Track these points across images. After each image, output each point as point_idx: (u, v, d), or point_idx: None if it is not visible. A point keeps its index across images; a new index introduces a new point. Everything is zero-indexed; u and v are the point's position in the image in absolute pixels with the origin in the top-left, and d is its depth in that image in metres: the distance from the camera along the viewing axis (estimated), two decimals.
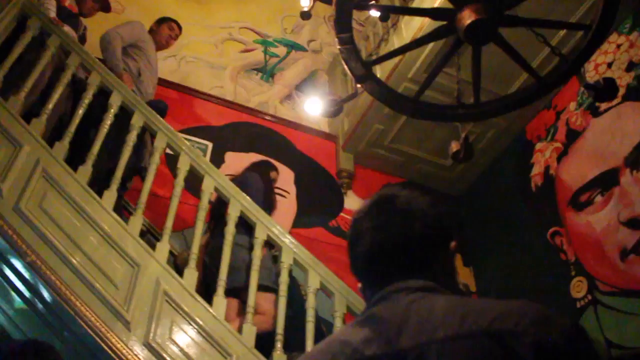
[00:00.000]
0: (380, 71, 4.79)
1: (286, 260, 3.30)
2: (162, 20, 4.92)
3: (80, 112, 3.49)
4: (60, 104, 3.66)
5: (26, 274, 2.87)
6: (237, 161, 5.27)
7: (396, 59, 4.57)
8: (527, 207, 5.02)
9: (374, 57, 2.86)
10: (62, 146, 3.28)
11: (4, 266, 3.00)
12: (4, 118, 3.21)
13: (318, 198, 5.45)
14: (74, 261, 2.83)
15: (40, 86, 3.67)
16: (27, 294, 3.03)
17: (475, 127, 5.09)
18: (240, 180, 3.86)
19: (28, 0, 3.97)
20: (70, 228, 2.95)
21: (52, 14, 3.94)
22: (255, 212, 3.44)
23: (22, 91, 3.42)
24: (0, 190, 2.93)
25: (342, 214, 5.41)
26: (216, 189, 3.47)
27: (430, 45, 4.30)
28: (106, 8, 4.72)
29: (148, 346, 2.72)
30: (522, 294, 4.60)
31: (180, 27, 5.00)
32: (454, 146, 3.01)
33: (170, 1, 6.65)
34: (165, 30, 4.84)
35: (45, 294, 2.81)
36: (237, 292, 3.31)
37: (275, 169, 4.50)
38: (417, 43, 3.10)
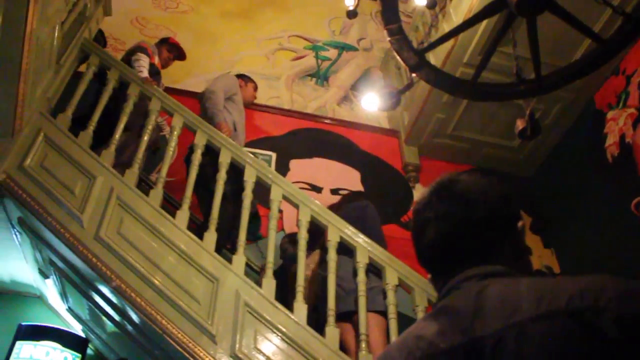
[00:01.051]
0: (434, 59, 4.71)
1: (362, 260, 3.27)
2: (247, 78, 4.99)
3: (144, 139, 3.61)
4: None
5: (114, 299, 2.99)
6: (302, 167, 5.31)
7: (449, 45, 4.48)
8: (605, 180, 4.78)
9: (425, 46, 2.80)
10: (132, 173, 3.40)
11: (93, 293, 3.14)
12: (76, 153, 3.37)
13: (387, 195, 5.40)
14: (156, 282, 2.92)
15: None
16: (117, 317, 3.16)
17: (539, 103, 4.91)
18: (357, 216, 3.65)
19: (86, 39, 4.19)
20: (148, 250, 3.05)
21: (145, 73, 4.08)
22: (325, 215, 3.45)
23: (90, 126, 3.58)
24: (81, 221, 3.07)
25: (412, 208, 5.34)
26: (284, 197, 3.49)
27: (483, 25, 4.20)
28: (182, 56, 4.86)
29: (235, 357, 2.76)
30: (609, 270, 4.38)
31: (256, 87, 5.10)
32: (520, 124, 2.91)
33: (218, 20, 6.80)
34: (251, 92, 4.94)
35: (133, 316, 2.91)
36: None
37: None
38: (468, 23, 3.02)
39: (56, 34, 3.57)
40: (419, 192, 5.46)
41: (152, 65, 4.31)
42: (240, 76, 4.90)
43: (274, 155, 5.37)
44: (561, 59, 4.23)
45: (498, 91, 2.97)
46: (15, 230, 3.44)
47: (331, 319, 3.01)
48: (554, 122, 5.30)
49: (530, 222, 5.26)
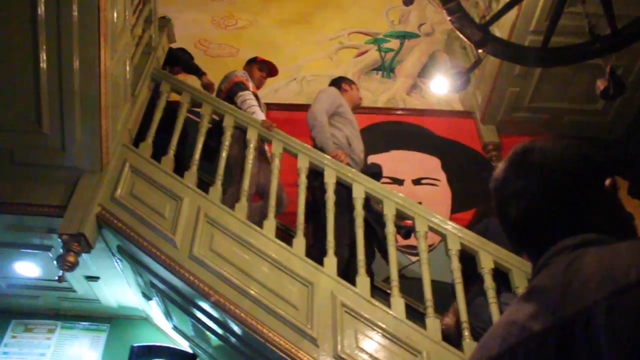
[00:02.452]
0: (499, 32, 4.53)
1: (453, 247, 3.21)
2: (348, 81, 4.71)
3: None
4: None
5: (214, 313, 3.08)
6: (380, 162, 5.27)
7: (513, 15, 4.32)
8: None
9: (487, 20, 2.71)
10: (216, 189, 3.49)
11: (194, 310, 3.25)
12: (161, 178, 3.50)
13: (470, 178, 5.27)
14: (252, 292, 2.98)
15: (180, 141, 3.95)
16: (219, 331, 3.26)
17: (619, 60, 4.61)
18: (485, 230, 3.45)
19: (155, 68, 4.37)
20: (241, 262, 3.12)
21: (259, 113, 4.07)
22: (411, 207, 3.41)
23: (170, 151, 3.71)
24: (175, 242, 3.19)
25: (490, 186, 5.18)
26: (367, 194, 3.48)
27: None
28: (273, 71, 4.85)
29: (338, 358, 2.77)
30: None
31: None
32: (601, 84, 2.77)
33: (277, 29, 6.90)
34: (356, 93, 4.59)
35: (235, 328, 2.99)
36: None
37: None
38: None
39: (127, 68, 3.74)
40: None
41: (253, 93, 4.30)
42: (340, 80, 4.66)
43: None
44: (637, 8, 3.98)
45: (572, 53, 2.84)
46: (116, 258, 3.62)
47: (430, 310, 2.97)
48: (638, 77, 4.99)
49: (627, 186, 4.98)
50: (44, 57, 3.16)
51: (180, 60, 4.94)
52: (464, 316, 2.95)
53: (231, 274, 3.06)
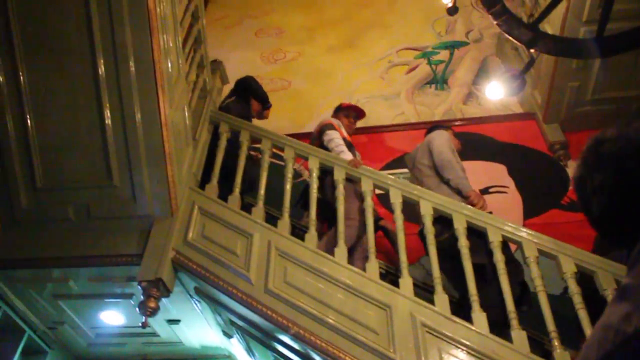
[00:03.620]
0: (550, 28, 4.43)
1: (531, 254, 3.10)
2: (445, 126, 4.51)
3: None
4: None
5: (295, 345, 3.09)
6: None
7: (562, 8, 4.20)
8: None
9: (535, 17, 2.65)
10: (284, 222, 3.52)
11: (275, 343, 3.27)
12: (230, 216, 3.57)
13: (539, 181, 5.11)
14: (330, 320, 2.98)
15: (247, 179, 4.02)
16: None
17: None
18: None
19: (213, 110, 4.49)
20: (316, 292, 3.13)
21: (347, 153, 4.01)
22: (481, 217, 3.33)
23: (236, 189, 3.78)
24: (249, 279, 3.23)
25: (572, 187, 5.00)
26: (435, 210, 3.43)
27: None
28: (361, 114, 4.79)
29: None
30: None
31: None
32: None
33: (326, 56, 6.99)
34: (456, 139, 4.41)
35: (317, 358, 2.98)
36: None
37: None
38: None
39: (186, 114, 3.86)
40: (573, 168, 5.12)
41: (344, 139, 4.23)
42: (447, 125, 4.59)
43: None
44: None
45: (631, 38, 2.72)
46: (194, 299, 3.70)
47: (514, 322, 2.87)
48: None
49: None
50: (108, 114, 3.32)
51: (252, 89, 4.97)
52: (551, 325, 2.84)
53: (308, 305, 3.07)
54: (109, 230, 3.52)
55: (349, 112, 4.68)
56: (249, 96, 4.94)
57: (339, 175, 3.72)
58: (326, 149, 4.09)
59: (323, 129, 4.28)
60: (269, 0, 8.22)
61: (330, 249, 3.38)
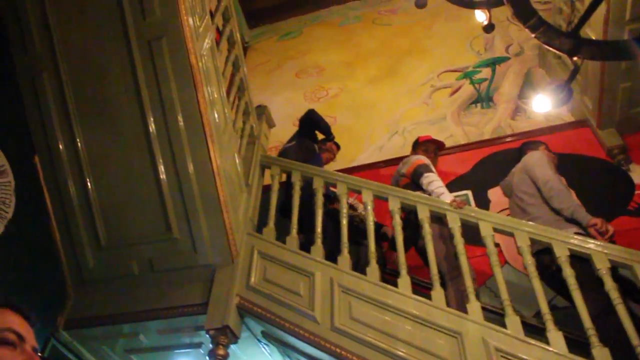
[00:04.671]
0: (592, 32, 4.35)
1: (602, 266, 2.97)
2: (538, 143, 4.38)
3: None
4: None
5: None
6: (500, 194, 5.07)
7: (602, 10, 4.11)
8: None
9: (575, 23, 2.61)
10: (344, 258, 3.51)
11: None
12: (289, 257, 3.59)
13: (602, 188, 4.93)
14: (400, 353, 2.93)
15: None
16: None
17: None
18: None
19: (262, 155, 4.57)
20: (383, 325, 3.09)
21: (447, 194, 3.81)
22: (544, 233, 3.24)
23: (293, 229, 3.81)
24: (315, 318, 3.22)
25: (637, 191, 4.80)
26: (496, 230, 3.36)
27: None
28: (441, 145, 4.72)
29: None
30: None
31: None
32: None
33: (368, 88, 7.04)
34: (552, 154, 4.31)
35: None
36: None
37: None
38: None
39: (237, 161, 3.95)
40: (636, 172, 4.93)
41: None
42: (540, 143, 4.35)
43: (469, 192, 5.23)
44: None
45: None
46: (262, 343, 3.71)
47: (594, 339, 2.74)
48: None
49: None
50: (162, 169, 3.43)
51: (315, 121, 5.01)
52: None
53: (376, 339, 3.03)
54: (173, 282, 3.59)
55: (428, 146, 4.55)
56: (314, 131, 5.00)
57: (423, 215, 3.58)
58: (420, 188, 3.99)
59: (418, 170, 4.09)
60: (306, 41, 8.39)
61: (460, 303, 3.26)
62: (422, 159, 4.26)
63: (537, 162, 3.87)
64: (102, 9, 3.40)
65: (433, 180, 3.95)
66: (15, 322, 1.18)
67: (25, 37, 3.51)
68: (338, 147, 5.27)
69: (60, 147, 3.53)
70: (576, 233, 3.29)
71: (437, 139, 4.71)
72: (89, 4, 3.44)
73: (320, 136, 5.11)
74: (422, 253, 3.72)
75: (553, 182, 3.68)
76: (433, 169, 4.21)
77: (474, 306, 3.04)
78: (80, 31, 3.48)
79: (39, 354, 1.20)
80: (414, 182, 4.07)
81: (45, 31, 3.48)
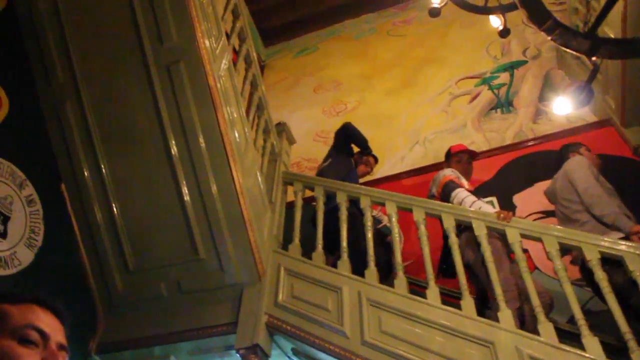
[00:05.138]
0: (611, 31, 4.29)
1: (636, 268, 2.92)
2: (584, 146, 4.22)
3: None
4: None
5: None
6: (528, 198, 5.04)
7: (620, 7, 4.06)
8: None
9: (592, 23, 2.58)
10: (371, 271, 3.49)
11: None
12: (316, 273, 3.59)
13: (631, 188, 4.83)
14: None
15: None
16: None
17: None
18: None
19: (284, 172, 4.59)
20: (414, 337, 3.06)
21: (486, 206, 3.73)
22: (572, 236, 3.19)
23: (318, 244, 3.80)
24: (345, 333, 3.21)
25: None
26: (523, 236, 3.31)
27: None
28: (474, 154, 4.58)
29: None
30: None
31: None
32: None
33: (386, 100, 7.04)
34: (592, 155, 4.12)
35: None
36: None
37: None
38: None
39: (259, 179, 3.97)
40: None
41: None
42: (579, 145, 4.19)
43: (494, 199, 5.17)
44: None
45: None
46: None
47: (632, 342, 2.68)
48: None
49: None
50: (186, 190, 3.47)
51: (351, 134, 5.00)
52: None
53: (407, 352, 3.01)
54: (202, 302, 3.60)
55: (461, 157, 4.45)
56: (349, 144, 4.99)
57: (449, 224, 3.52)
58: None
59: (446, 189, 3.99)
60: (322, 56, 8.44)
61: (533, 326, 3.12)
62: (448, 175, 4.14)
63: (576, 168, 3.79)
64: (121, 37, 3.47)
65: (464, 198, 3.82)
66: (41, 318, 1.12)
67: (47, 68, 3.60)
68: (376, 160, 5.25)
69: (86, 173, 3.59)
70: (621, 239, 3.22)
71: (469, 149, 4.61)
72: (108, 32, 3.51)
73: (355, 149, 5.11)
74: (469, 268, 3.64)
75: (592, 188, 3.59)
76: (463, 180, 4.13)
77: (505, 314, 3.00)
78: (101, 59, 3.55)
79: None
80: (444, 201, 3.94)
81: (67, 61, 3.56)
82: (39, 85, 3.63)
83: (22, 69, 3.59)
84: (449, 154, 4.52)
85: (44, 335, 1.09)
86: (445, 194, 3.99)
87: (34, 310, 1.13)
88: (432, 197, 4.15)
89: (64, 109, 3.59)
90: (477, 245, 3.41)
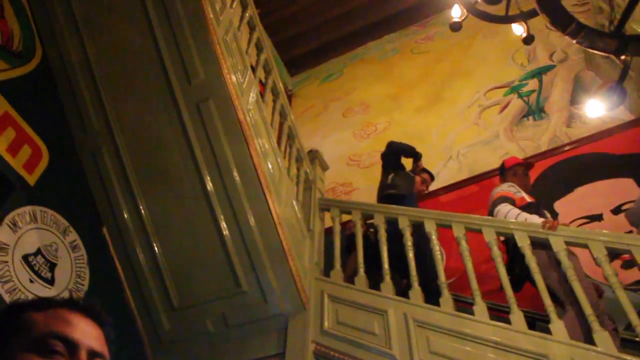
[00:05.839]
0: (639, 26, 4.22)
1: None
2: None
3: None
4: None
5: None
6: (569, 205, 4.94)
7: None
8: None
9: (617, 21, 2.54)
10: (416, 291, 3.45)
11: None
12: (360, 297, 3.56)
13: None
14: None
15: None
16: None
17: None
18: None
19: (320, 198, 4.60)
20: (465, 356, 3.00)
21: (534, 218, 3.59)
22: (621, 240, 3.10)
23: (359, 268, 3.78)
24: (394, 357, 3.16)
25: None
26: (568, 243, 3.23)
27: None
28: (529, 164, 4.47)
29: None
30: None
31: None
32: None
33: (416, 118, 7.03)
34: None
35: None
36: None
37: None
38: None
39: (296, 208, 3.98)
40: None
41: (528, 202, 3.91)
42: None
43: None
44: None
45: None
46: None
47: None
48: None
49: None
50: (224, 225, 3.50)
51: (400, 150, 4.98)
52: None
53: None
54: (248, 334, 3.61)
55: (516, 170, 4.32)
56: (399, 160, 4.93)
57: (490, 237, 3.46)
58: None
59: (490, 208, 3.94)
60: (348, 80, 8.49)
61: (583, 325, 3.06)
62: (501, 191, 4.04)
63: None
64: (149, 79, 3.56)
65: (508, 212, 3.72)
66: (70, 322, 1.00)
67: (82, 117, 3.70)
68: (432, 177, 5.18)
69: (125, 215, 3.66)
70: None
71: (523, 161, 4.48)
72: (137, 77, 3.61)
73: (406, 164, 5.03)
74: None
75: None
76: (523, 194, 4.00)
77: (557, 326, 2.92)
78: (132, 104, 3.64)
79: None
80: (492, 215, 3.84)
81: (100, 108, 3.66)
82: (75, 134, 3.73)
83: (59, 119, 3.70)
84: (503, 169, 4.40)
85: (69, 343, 0.97)
86: (490, 212, 3.92)
87: (62, 315, 1.01)
88: (490, 214, 4.00)
89: (100, 155, 3.68)
90: (557, 262, 3.26)
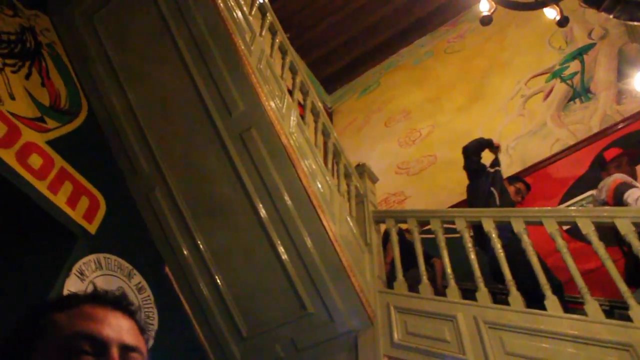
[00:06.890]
0: None
1: None
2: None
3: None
4: None
5: None
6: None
7: None
8: None
9: None
10: (482, 292, 3.38)
11: None
12: (427, 305, 3.52)
13: None
14: None
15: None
16: None
17: None
18: None
19: (373, 211, 4.58)
20: (542, 353, 2.91)
21: None
22: None
23: (423, 276, 3.73)
24: None
25: None
26: (635, 225, 3.10)
27: None
28: (634, 155, 4.42)
29: None
30: None
31: None
32: None
33: (460, 116, 6.94)
34: None
35: None
36: None
37: None
38: None
39: (351, 224, 3.97)
40: None
41: None
42: None
43: (593, 192, 4.91)
44: None
45: None
46: None
47: None
48: None
49: None
50: (282, 249, 3.51)
51: (475, 147, 4.81)
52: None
53: None
54: (320, 356, 3.59)
55: (619, 161, 4.25)
56: (479, 158, 4.76)
57: (589, 229, 3.23)
58: None
59: (618, 191, 3.78)
60: (385, 89, 8.48)
61: None
62: (618, 177, 3.92)
63: None
64: (191, 118, 3.63)
65: (637, 198, 3.59)
66: (97, 318, 0.91)
67: (132, 161, 3.80)
68: (527, 186, 4.88)
69: (185, 252, 3.72)
70: None
71: (624, 150, 4.35)
72: (179, 117, 3.69)
73: (486, 158, 4.86)
74: None
75: None
76: (636, 183, 3.88)
77: (638, 312, 2.79)
78: (178, 142, 3.72)
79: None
80: (617, 205, 3.70)
81: (148, 151, 3.75)
82: (128, 178, 3.84)
83: (111, 167, 3.81)
84: (605, 162, 4.26)
85: (97, 341, 0.89)
86: (617, 196, 3.76)
87: (87, 312, 0.93)
88: (601, 204, 3.92)
89: (154, 195, 3.76)
90: None
